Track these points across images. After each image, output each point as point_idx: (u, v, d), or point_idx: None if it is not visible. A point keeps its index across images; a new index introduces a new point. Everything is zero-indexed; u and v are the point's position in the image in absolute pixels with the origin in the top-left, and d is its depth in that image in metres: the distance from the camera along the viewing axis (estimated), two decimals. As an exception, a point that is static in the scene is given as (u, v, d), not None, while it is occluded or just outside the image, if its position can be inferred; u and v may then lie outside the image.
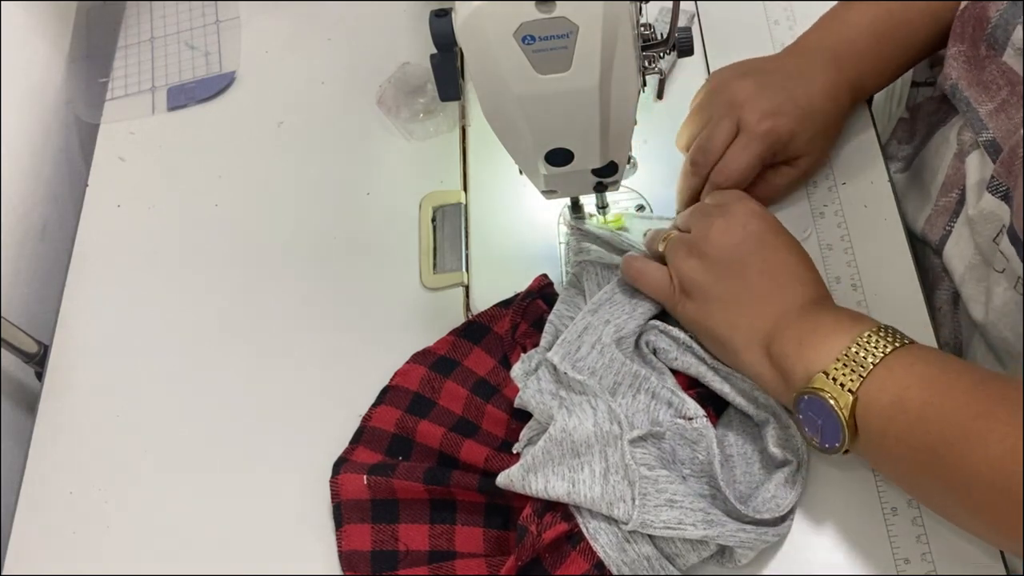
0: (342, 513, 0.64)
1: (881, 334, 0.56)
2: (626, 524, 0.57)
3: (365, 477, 0.64)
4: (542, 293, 0.71)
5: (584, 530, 0.58)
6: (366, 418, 0.68)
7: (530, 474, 0.59)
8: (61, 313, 0.80)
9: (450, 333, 0.71)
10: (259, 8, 0.95)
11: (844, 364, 0.55)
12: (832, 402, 0.55)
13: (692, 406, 0.61)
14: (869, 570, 0.59)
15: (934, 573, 0.59)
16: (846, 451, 0.56)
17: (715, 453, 0.59)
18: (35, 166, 0.91)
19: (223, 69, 0.91)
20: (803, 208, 0.74)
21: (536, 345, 0.68)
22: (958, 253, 0.70)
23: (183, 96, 0.90)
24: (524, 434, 0.64)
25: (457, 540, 0.63)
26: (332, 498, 0.65)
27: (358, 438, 0.68)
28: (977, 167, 0.68)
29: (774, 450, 0.60)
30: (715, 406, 0.64)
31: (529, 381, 0.65)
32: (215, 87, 0.90)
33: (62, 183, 0.94)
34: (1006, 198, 0.63)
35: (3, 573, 0.68)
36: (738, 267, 0.62)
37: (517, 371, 0.67)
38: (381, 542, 0.63)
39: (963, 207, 0.69)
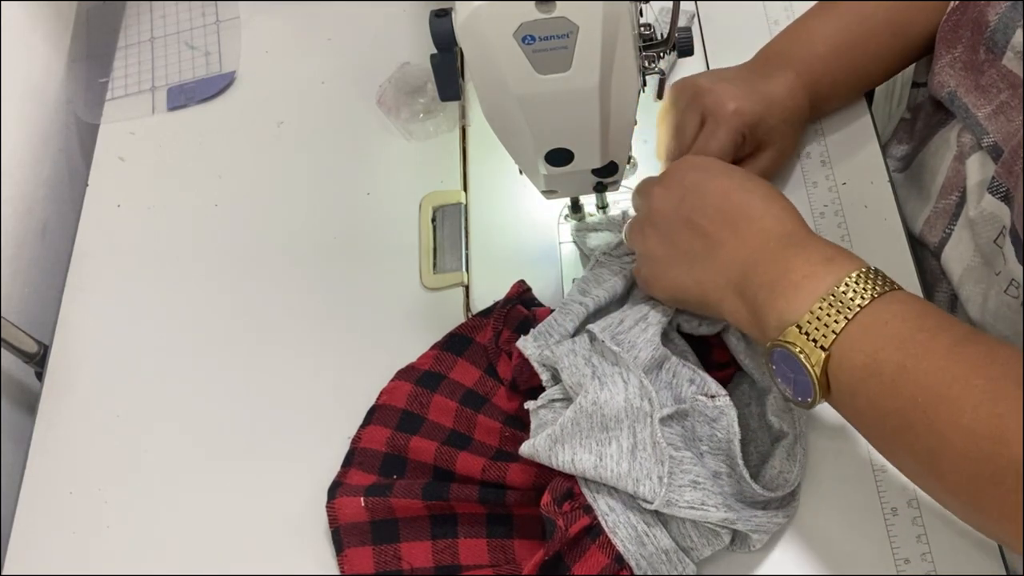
0: (341, 538, 0.63)
1: (858, 284, 0.52)
2: (651, 503, 0.57)
3: (362, 499, 0.63)
4: (522, 299, 0.70)
5: (603, 523, 0.58)
6: (355, 440, 0.67)
7: (557, 445, 0.59)
8: (61, 313, 0.80)
9: (432, 347, 0.71)
10: (259, 8, 0.94)
11: (817, 318, 0.52)
12: (803, 358, 0.52)
13: (714, 384, 0.61)
14: (869, 570, 0.60)
15: (934, 573, 0.59)
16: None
17: (735, 432, 0.59)
18: (35, 166, 0.91)
19: (223, 69, 0.91)
20: (803, 208, 0.74)
21: None
22: (957, 256, 0.70)
23: (183, 96, 0.90)
24: (544, 395, 0.63)
25: (461, 553, 0.63)
26: (330, 523, 0.64)
27: (349, 460, 0.67)
28: (978, 168, 0.68)
29: (772, 419, 0.61)
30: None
31: (564, 342, 0.64)
32: (215, 87, 0.90)
33: (62, 183, 0.94)
34: (1006, 199, 0.63)
35: (3, 573, 0.68)
36: (689, 224, 0.59)
37: (530, 347, 0.64)
38: (384, 563, 0.63)
39: (963, 209, 0.69)
